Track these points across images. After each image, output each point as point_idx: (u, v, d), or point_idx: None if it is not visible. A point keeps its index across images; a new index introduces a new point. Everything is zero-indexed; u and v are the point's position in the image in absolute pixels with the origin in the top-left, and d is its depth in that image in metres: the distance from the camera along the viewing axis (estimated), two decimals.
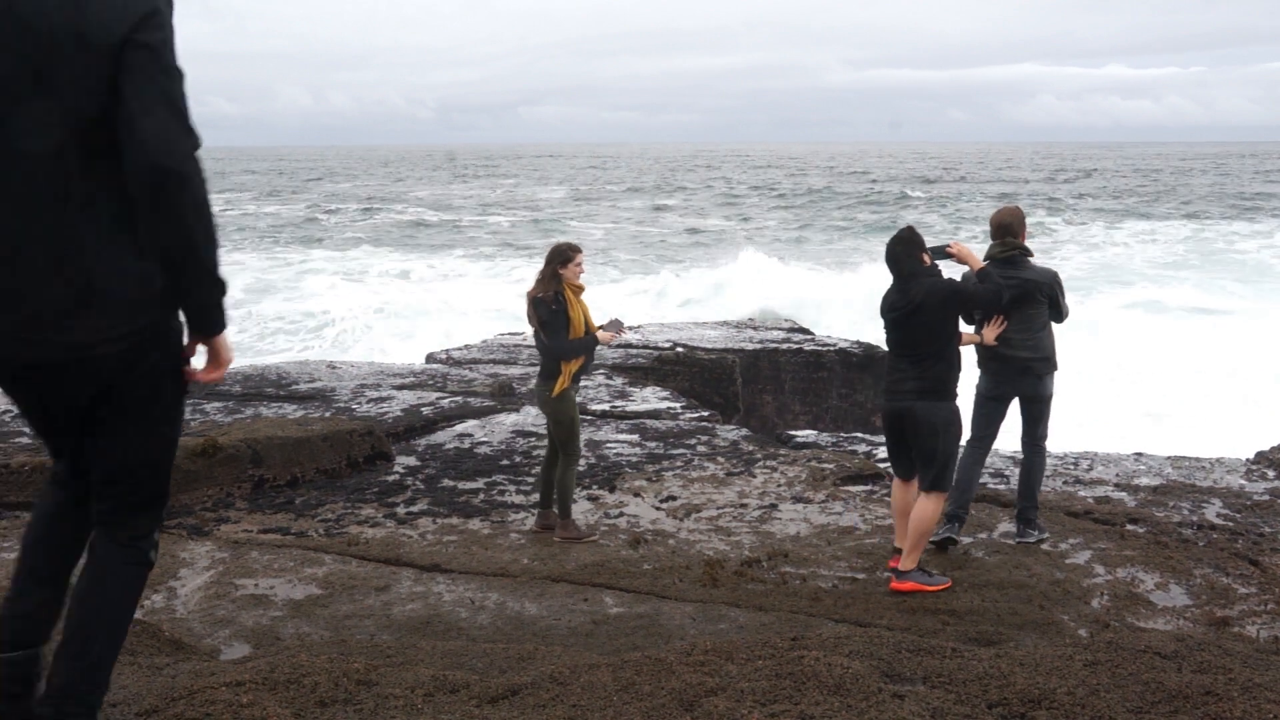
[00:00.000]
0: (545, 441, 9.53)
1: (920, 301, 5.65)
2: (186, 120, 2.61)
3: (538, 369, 7.02)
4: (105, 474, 2.84)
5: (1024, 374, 6.44)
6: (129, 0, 2.56)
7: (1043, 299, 6.38)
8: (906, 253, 5.77)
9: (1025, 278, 6.34)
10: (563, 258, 6.72)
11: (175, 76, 2.61)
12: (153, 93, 2.54)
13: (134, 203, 2.59)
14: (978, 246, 6.27)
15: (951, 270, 6.15)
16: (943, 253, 5.97)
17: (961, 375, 5.92)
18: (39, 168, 2.55)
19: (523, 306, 6.95)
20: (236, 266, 32.15)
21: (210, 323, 2.80)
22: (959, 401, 5.95)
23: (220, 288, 2.78)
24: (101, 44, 2.52)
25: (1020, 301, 6.32)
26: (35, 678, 2.85)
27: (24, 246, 2.56)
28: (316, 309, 25.63)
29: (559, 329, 6.67)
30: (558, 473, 6.94)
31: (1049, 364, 6.47)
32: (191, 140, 2.60)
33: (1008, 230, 6.46)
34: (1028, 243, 6.53)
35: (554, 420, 6.89)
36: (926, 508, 5.80)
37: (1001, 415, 6.67)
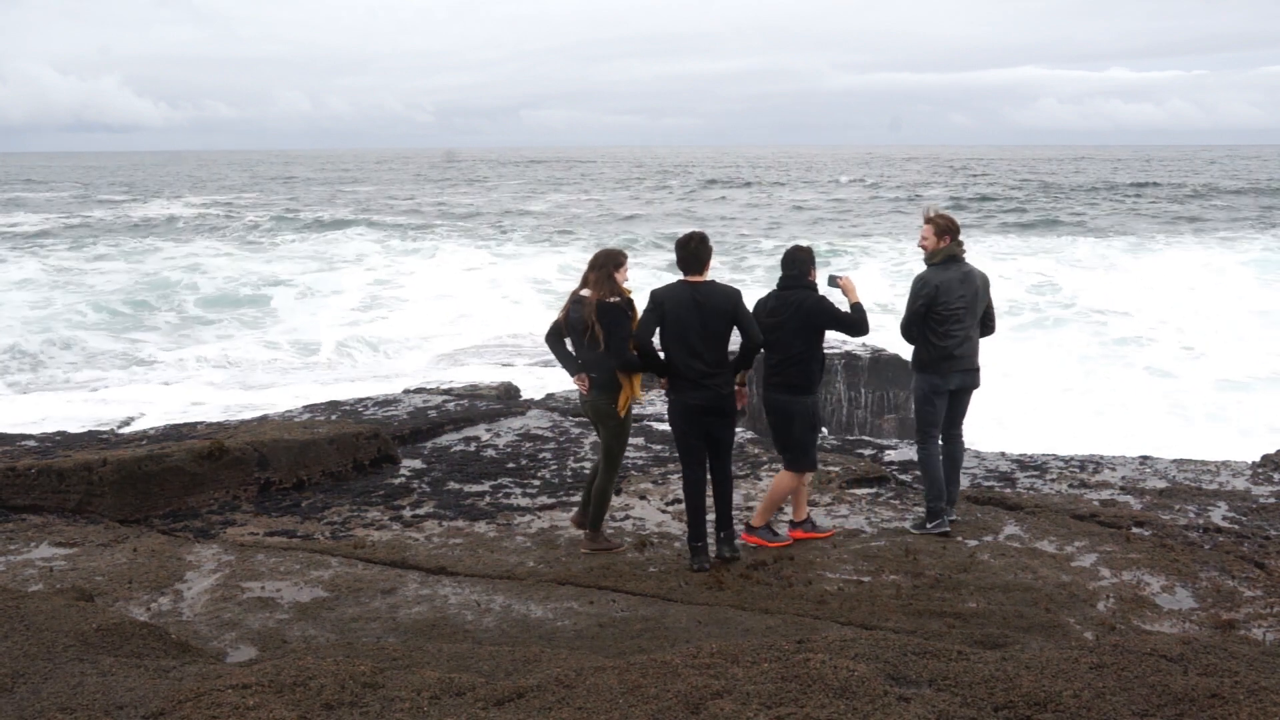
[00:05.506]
0: (550, 446, 9.56)
1: (795, 310, 6.45)
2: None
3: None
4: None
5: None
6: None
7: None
8: (800, 261, 6.56)
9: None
10: (615, 262, 6.33)
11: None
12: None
13: None
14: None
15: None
16: (834, 282, 6.69)
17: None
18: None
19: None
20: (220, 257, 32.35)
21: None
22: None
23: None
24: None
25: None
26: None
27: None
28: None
29: (625, 337, 6.18)
30: (598, 483, 6.63)
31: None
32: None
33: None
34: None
35: (612, 435, 6.47)
36: (784, 480, 6.78)
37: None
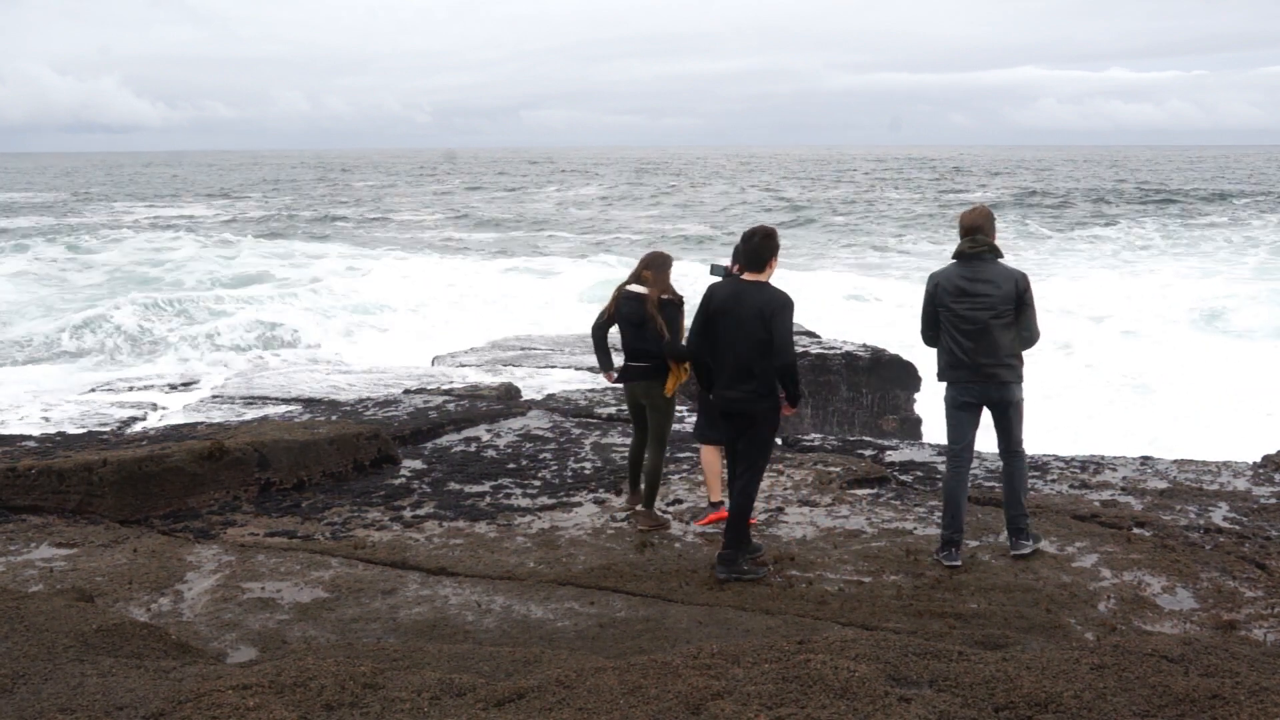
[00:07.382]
0: (550, 446, 9.57)
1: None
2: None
3: (639, 366, 7.10)
4: None
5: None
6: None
7: None
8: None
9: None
10: (669, 263, 7.16)
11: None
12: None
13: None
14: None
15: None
16: (720, 270, 6.83)
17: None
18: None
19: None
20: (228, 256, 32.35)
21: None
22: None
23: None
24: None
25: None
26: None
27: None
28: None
29: (679, 330, 6.98)
30: (649, 462, 7.18)
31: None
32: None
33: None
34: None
35: (662, 414, 7.14)
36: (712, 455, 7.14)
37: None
